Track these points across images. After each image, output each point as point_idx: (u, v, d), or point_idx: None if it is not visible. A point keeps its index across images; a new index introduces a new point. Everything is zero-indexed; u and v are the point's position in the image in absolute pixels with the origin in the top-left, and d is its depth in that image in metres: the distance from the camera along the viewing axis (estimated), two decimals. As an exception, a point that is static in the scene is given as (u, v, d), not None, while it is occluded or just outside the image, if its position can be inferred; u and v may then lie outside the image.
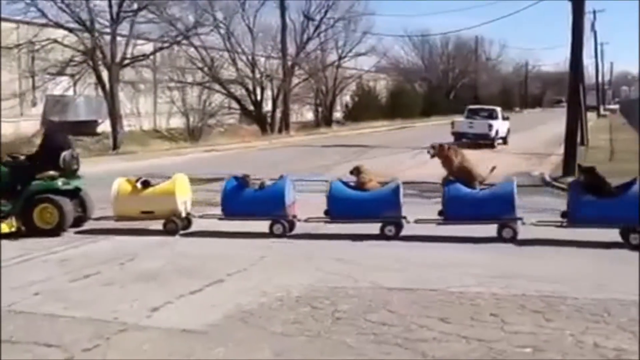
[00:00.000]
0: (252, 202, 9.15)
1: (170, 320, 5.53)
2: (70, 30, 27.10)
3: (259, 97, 39.79)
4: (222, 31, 38.16)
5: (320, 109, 48.71)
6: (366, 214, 8.87)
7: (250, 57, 39.63)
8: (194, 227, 9.44)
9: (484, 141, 26.97)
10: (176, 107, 36.69)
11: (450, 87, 71.13)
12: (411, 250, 8.06)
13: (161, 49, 31.80)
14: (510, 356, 4.63)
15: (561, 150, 17.26)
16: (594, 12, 50.43)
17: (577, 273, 6.93)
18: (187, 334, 5.18)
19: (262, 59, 41.03)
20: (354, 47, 48.42)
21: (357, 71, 53.02)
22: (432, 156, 9.37)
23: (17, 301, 6.10)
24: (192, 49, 35.69)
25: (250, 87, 39.53)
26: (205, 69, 37.26)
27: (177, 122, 37.25)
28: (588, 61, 55.58)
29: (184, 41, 33.03)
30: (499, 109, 30.66)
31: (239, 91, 39.43)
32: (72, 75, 29.51)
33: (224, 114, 39.58)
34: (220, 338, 5.06)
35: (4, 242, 8.68)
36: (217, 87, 37.93)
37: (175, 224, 9.23)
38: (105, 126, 32.47)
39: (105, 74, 27.73)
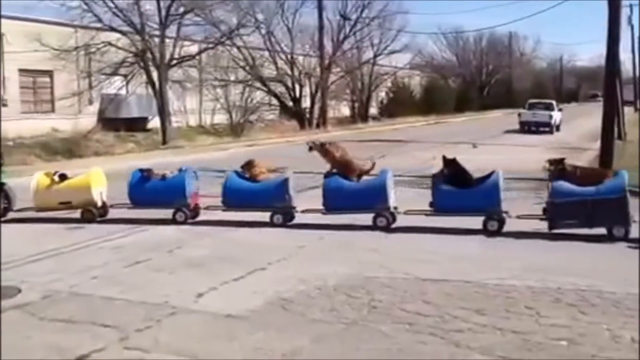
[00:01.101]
0: (156, 192, 9.48)
1: (215, 305, 5.62)
2: (123, 33, 27.57)
3: (297, 94, 39.93)
4: (263, 31, 38.42)
5: (356, 105, 48.57)
6: (257, 203, 9.20)
7: (289, 56, 39.77)
8: (233, 218, 9.44)
9: (544, 128, 31.55)
10: (220, 104, 37.06)
11: (484, 82, 70.00)
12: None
13: (206, 49, 32.12)
14: (546, 348, 4.55)
15: (597, 145, 16.81)
16: (631, 5, 48.62)
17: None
18: (231, 319, 5.27)
19: (301, 58, 41.11)
20: (389, 45, 48.22)
21: (392, 68, 52.64)
22: (311, 149, 9.70)
23: (77, 284, 6.31)
24: (235, 49, 35.94)
25: (290, 85, 39.70)
26: (247, 67, 37.50)
27: (221, 118, 37.62)
28: (625, 55, 53.69)
29: (228, 42, 33.28)
30: (554, 102, 35.70)
31: (278, 88, 39.63)
32: (124, 75, 30.06)
33: (264, 110, 39.82)
34: (261, 323, 5.14)
35: (65, 230, 8.97)
36: (258, 84, 38.16)
37: (92, 213, 9.53)
38: (154, 122, 33.04)
39: (155, 74, 28.18)
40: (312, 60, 41.00)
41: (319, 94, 39.41)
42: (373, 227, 8.66)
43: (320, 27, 37.99)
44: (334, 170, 9.37)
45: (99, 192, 9.72)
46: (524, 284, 6.06)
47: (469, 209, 8.45)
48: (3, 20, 29.89)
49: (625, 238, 7.85)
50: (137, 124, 33.81)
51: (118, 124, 32.62)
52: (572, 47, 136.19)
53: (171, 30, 28.66)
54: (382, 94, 54.06)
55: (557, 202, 8.08)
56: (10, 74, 30.48)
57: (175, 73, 30.51)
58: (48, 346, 4.76)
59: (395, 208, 9.03)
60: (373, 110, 51.54)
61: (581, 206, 7.91)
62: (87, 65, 29.92)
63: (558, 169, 8.67)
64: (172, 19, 28.21)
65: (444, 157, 9.03)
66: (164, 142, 27.37)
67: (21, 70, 30.68)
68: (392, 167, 14.11)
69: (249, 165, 9.78)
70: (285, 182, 9.36)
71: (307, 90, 40.61)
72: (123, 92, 32.39)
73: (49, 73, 30.83)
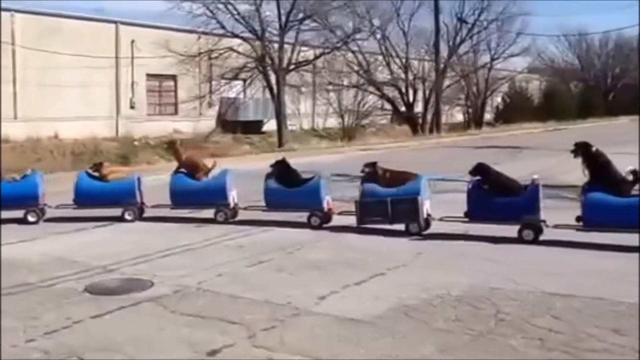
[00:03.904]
0: (8, 195, 9.82)
1: (337, 308, 5.65)
2: (244, 39, 28.62)
3: (411, 99, 39.58)
4: (378, 36, 38.42)
5: (470, 110, 47.39)
6: (108, 200, 9.91)
7: (403, 60, 39.53)
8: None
9: None
10: (332, 108, 37.49)
11: (609, 87, 65.91)
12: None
13: (322, 54, 32.63)
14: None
15: None
16: None
17: None
18: (355, 323, 5.26)
19: (415, 62, 40.75)
20: (507, 49, 46.57)
21: (509, 72, 50.86)
22: (167, 149, 10.80)
23: (204, 280, 6.57)
24: (350, 54, 36.24)
25: (403, 89, 39.43)
26: (361, 72, 37.65)
27: (333, 122, 38.06)
28: None
29: (343, 46, 33.63)
30: None
31: (391, 93, 39.46)
32: (244, 80, 31.20)
33: (376, 115, 39.80)
34: (385, 329, 5.10)
35: (193, 228, 9.41)
36: (371, 89, 38.20)
37: None
38: (269, 125, 34.00)
39: (273, 78, 29.01)
40: (427, 64, 40.51)
41: (432, 99, 38.85)
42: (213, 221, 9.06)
43: (437, 31, 37.41)
44: (181, 170, 10.23)
45: None
46: (666, 304, 5.61)
47: (296, 206, 9.43)
48: (134, 28, 32.06)
49: (419, 233, 8.65)
50: (253, 127, 34.98)
51: (235, 126, 33.90)
52: None
53: (289, 36, 29.41)
54: (498, 99, 52.34)
55: (363, 201, 9.02)
56: (139, 79, 32.57)
57: (292, 78, 31.25)
58: (180, 339, 4.97)
59: (236, 204, 9.94)
60: (488, 115, 50.06)
61: (383, 205, 8.77)
62: (209, 70, 31.34)
63: (370, 171, 9.37)
64: (291, 25, 28.95)
65: (277, 160, 10.04)
66: (280, 144, 28.08)
67: (148, 75, 32.71)
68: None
69: (99, 164, 10.50)
70: (136, 181, 10.16)
71: (420, 95, 40.21)
72: (241, 95, 33.62)
73: (174, 77, 32.60)
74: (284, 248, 8.05)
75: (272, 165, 9.94)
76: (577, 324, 5.17)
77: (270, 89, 29.46)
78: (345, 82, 37.40)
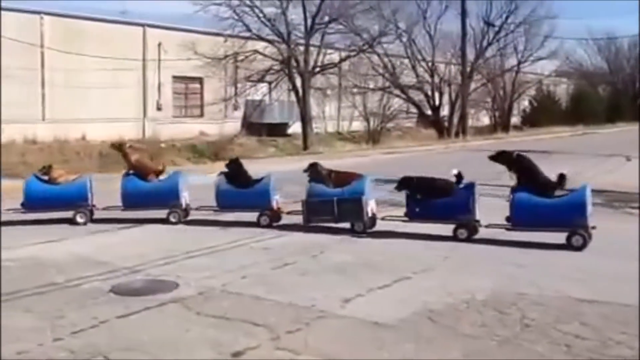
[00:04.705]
0: None
1: (362, 312, 5.63)
2: (270, 42, 28.75)
3: (437, 102, 39.36)
4: (404, 39, 38.27)
5: (496, 114, 46.97)
6: (60, 203, 9.89)
7: (430, 64, 39.34)
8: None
9: None
10: (358, 111, 37.46)
11: (638, 91, 64.76)
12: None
13: (348, 57, 32.63)
14: None
15: None
16: None
17: None
18: (379, 326, 5.26)
19: (442, 65, 40.52)
20: (535, 52, 46.04)
21: (536, 75, 50.29)
22: (115, 149, 10.82)
23: (229, 282, 6.61)
24: (375, 57, 36.17)
25: (429, 92, 39.23)
26: (387, 75, 37.55)
27: (358, 125, 38.01)
28: None
29: (369, 49, 33.58)
30: None
31: (417, 96, 39.28)
32: (269, 83, 31.32)
33: (402, 118, 39.65)
34: (409, 334, 5.08)
35: (219, 230, 9.46)
36: (396, 92, 38.08)
37: None
38: (294, 128, 34.07)
39: (298, 81, 29.08)
40: (453, 67, 40.27)
41: (458, 102, 38.59)
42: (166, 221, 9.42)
43: (463, 34, 37.16)
44: (131, 172, 10.29)
45: None
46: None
47: (246, 206, 9.64)
48: (160, 31, 32.40)
49: (364, 232, 9.00)
50: (278, 129, 35.08)
51: (260, 128, 34.02)
52: None
53: (315, 39, 29.47)
54: (525, 103, 51.80)
55: (310, 201, 9.27)
56: (165, 81, 32.89)
57: (318, 81, 31.32)
58: (205, 340, 5.00)
59: (188, 205, 10.12)
60: (514, 119, 49.57)
61: (329, 205, 9.07)
62: (235, 72, 31.54)
63: (312, 172, 9.66)
64: (317, 28, 29.00)
65: (231, 159, 10.30)
66: (305, 147, 28.12)
67: (174, 77, 33.01)
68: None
69: (48, 168, 10.41)
70: (88, 183, 10.17)
71: (446, 98, 39.97)
72: (267, 98, 33.77)
73: (199, 80, 32.84)
74: (308, 251, 8.05)
75: (226, 165, 10.17)
76: (604, 330, 5.09)
77: (296, 92, 29.55)
78: (371, 85, 37.34)
